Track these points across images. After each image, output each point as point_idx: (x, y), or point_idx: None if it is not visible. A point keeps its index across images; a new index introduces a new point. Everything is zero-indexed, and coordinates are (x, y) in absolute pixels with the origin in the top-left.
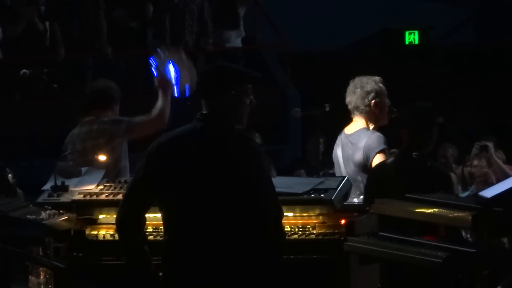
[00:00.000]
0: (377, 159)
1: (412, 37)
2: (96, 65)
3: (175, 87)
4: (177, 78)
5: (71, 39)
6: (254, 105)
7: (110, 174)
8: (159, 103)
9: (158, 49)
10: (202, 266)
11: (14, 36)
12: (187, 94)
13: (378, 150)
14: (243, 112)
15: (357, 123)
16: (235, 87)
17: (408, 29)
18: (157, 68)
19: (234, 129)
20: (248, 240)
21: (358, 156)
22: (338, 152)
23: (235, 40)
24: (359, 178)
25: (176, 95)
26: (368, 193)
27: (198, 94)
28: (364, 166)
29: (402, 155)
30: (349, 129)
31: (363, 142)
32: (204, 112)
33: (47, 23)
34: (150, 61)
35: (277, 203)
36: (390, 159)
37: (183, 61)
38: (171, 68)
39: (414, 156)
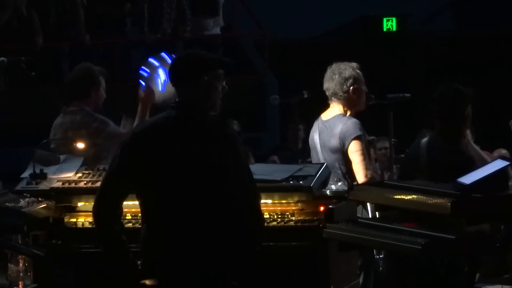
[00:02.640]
0: (353, 146)
1: (390, 24)
2: (73, 53)
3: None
4: (165, 81)
5: (48, 27)
6: (227, 91)
7: (90, 163)
8: (139, 115)
9: (149, 59)
10: (181, 251)
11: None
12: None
13: (354, 136)
14: (216, 98)
15: (334, 109)
16: (206, 74)
17: (386, 16)
18: (145, 80)
19: (209, 116)
20: (226, 224)
21: (334, 142)
22: (315, 138)
23: (214, 28)
24: (337, 164)
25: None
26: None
27: (171, 83)
28: (341, 152)
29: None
30: (326, 115)
31: (338, 128)
32: (177, 99)
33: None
34: (141, 72)
35: (254, 188)
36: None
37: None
38: (161, 72)
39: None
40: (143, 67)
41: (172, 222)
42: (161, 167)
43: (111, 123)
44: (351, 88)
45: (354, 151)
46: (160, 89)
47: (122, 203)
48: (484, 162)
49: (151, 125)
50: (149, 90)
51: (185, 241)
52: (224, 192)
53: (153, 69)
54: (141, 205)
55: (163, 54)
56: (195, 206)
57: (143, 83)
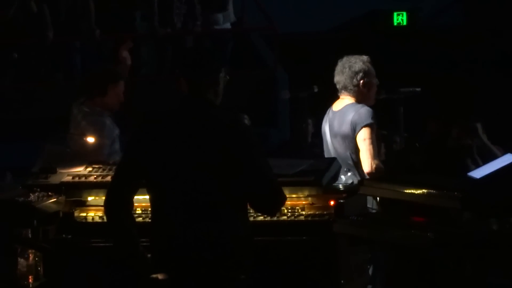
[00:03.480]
0: (362, 133)
1: (400, 18)
2: (84, 47)
3: None
4: None
5: (58, 22)
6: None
7: (100, 157)
8: None
9: None
10: (185, 246)
11: (5, 18)
12: None
13: (365, 123)
14: (222, 91)
15: (345, 100)
16: (224, 68)
17: (396, 10)
18: None
19: (220, 108)
20: (231, 218)
21: (345, 128)
22: (326, 128)
23: (224, 23)
24: (348, 153)
25: None
26: None
27: (182, 75)
28: (351, 139)
29: None
30: (336, 106)
31: (351, 115)
32: (188, 92)
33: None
34: None
35: (267, 183)
36: None
37: None
38: None
39: None
40: None
41: (175, 217)
42: (170, 159)
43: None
44: (361, 81)
45: (363, 139)
46: None
47: (133, 197)
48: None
49: (161, 117)
50: None
51: (189, 236)
52: (229, 186)
53: None
54: (150, 198)
55: None
56: (196, 203)
57: None
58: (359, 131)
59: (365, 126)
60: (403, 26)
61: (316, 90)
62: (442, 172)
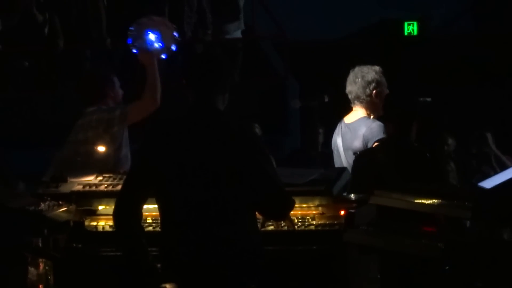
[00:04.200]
0: None
1: (411, 28)
2: (94, 55)
3: (160, 53)
4: (161, 42)
5: (69, 29)
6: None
7: (111, 163)
8: (148, 80)
9: (130, 27)
10: (194, 255)
11: (10, 26)
12: (175, 49)
13: (377, 139)
14: (228, 99)
15: (358, 112)
16: (232, 75)
17: (407, 20)
18: (134, 45)
19: (229, 116)
20: (240, 228)
21: (357, 143)
22: (338, 141)
23: (235, 32)
24: None
25: (164, 57)
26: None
27: (190, 82)
28: None
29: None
30: (349, 118)
31: (363, 130)
32: (196, 100)
33: (46, 13)
34: (128, 42)
35: (276, 192)
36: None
37: (159, 24)
38: (151, 36)
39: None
40: (129, 38)
41: (185, 225)
42: (179, 168)
43: (119, 105)
44: (374, 91)
45: None
46: (154, 46)
47: (142, 207)
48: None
49: (170, 126)
50: (141, 49)
51: (199, 244)
52: (237, 195)
53: (137, 35)
54: (159, 207)
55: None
56: (205, 210)
57: (135, 50)
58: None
59: (377, 141)
60: (414, 36)
61: (327, 99)
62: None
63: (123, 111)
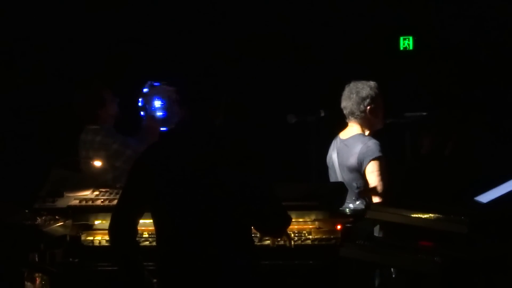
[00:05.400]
0: (371, 166)
1: (406, 43)
2: None
3: (163, 122)
4: (164, 112)
5: None
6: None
7: (109, 180)
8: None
9: (143, 88)
10: (189, 272)
11: None
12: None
13: (373, 157)
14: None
15: (353, 128)
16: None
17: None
18: (143, 109)
19: (224, 131)
20: (240, 238)
21: (352, 161)
22: (334, 157)
23: None
24: (354, 184)
25: (164, 129)
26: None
27: (188, 102)
28: (358, 172)
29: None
30: (344, 134)
31: (358, 147)
32: (190, 116)
33: None
34: (139, 102)
35: (272, 209)
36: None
37: (170, 96)
38: (157, 103)
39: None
40: (139, 99)
41: (178, 242)
42: (174, 186)
43: (132, 144)
44: (368, 107)
45: (371, 171)
46: (160, 114)
47: (137, 222)
48: None
49: (165, 143)
50: (150, 117)
51: (193, 261)
52: (233, 212)
53: (147, 98)
54: (154, 223)
55: (150, 82)
56: (201, 226)
57: (143, 113)
58: (367, 165)
59: (373, 159)
60: (409, 50)
61: (322, 114)
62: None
63: (131, 157)
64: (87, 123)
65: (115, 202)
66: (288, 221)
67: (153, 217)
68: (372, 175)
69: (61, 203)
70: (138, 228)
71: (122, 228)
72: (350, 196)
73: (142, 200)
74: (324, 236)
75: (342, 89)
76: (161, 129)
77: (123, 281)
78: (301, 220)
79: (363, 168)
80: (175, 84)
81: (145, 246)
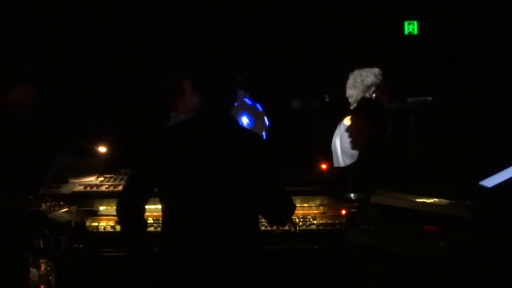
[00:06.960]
0: None
1: (411, 27)
2: None
3: None
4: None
5: None
6: None
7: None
8: None
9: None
10: (200, 254)
11: None
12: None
13: None
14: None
15: None
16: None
17: (407, 19)
18: None
19: (236, 121)
20: (248, 224)
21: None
22: (337, 142)
23: None
24: None
25: None
26: None
27: (202, 87)
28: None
29: None
30: (348, 120)
31: None
32: (204, 104)
33: None
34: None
35: (277, 193)
36: None
37: (257, 115)
38: (244, 120)
39: None
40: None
41: (186, 228)
42: (184, 170)
43: None
44: (374, 95)
45: None
46: None
47: (145, 202)
48: None
49: (177, 128)
50: None
51: (203, 245)
52: (242, 199)
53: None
54: (162, 207)
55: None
56: (209, 212)
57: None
58: None
59: None
60: (414, 35)
61: (327, 99)
62: None
63: None
64: (169, 111)
65: (120, 188)
66: (293, 209)
67: (162, 203)
68: None
69: (66, 189)
70: None
71: (131, 204)
72: None
73: (152, 185)
74: (329, 221)
75: (346, 77)
76: None
77: (128, 259)
78: (305, 205)
79: None
80: (193, 71)
81: (150, 231)
